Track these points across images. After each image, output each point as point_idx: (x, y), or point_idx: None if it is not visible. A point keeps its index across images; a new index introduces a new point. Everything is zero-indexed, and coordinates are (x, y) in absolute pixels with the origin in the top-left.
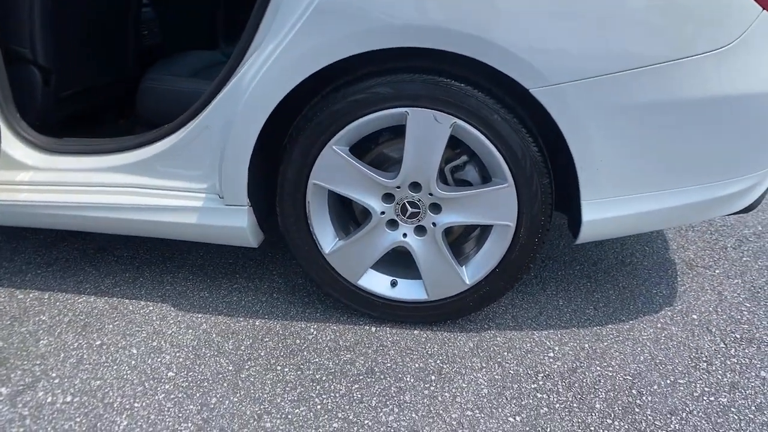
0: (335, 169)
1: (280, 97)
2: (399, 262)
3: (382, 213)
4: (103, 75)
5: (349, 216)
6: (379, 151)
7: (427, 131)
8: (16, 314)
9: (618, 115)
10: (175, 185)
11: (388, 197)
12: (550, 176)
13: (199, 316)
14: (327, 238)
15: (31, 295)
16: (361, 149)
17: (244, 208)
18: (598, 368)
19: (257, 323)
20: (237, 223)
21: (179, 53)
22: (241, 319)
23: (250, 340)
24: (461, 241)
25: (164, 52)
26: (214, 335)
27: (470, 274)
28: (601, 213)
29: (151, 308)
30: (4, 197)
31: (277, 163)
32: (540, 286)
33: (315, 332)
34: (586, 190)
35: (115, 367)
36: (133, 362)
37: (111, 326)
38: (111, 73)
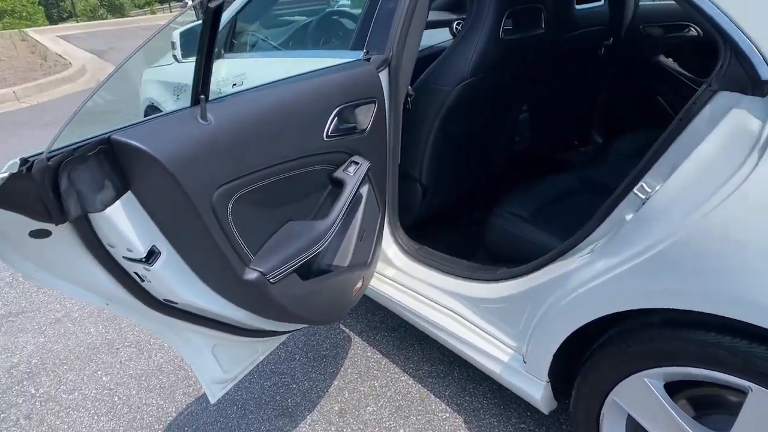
0: (641, 397)
1: (603, 312)
2: None
3: None
4: (471, 179)
5: None
6: (703, 393)
7: None
8: (362, 371)
9: None
10: (490, 330)
11: None
12: None
13: None
14: None
15: (375, 356)
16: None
17: (542, 382)
18: None
19: None
20: (532, 391)
21: (534, 181)
22: None
23: None
24: None
25: (529, 154)
26: None
27: None
28: None
29: (447, 416)
30: (375, 284)
31: (585, 350)
32: None
33: None
34: None
35: None
36: None
37: (413, 419)
38: (479, 176)
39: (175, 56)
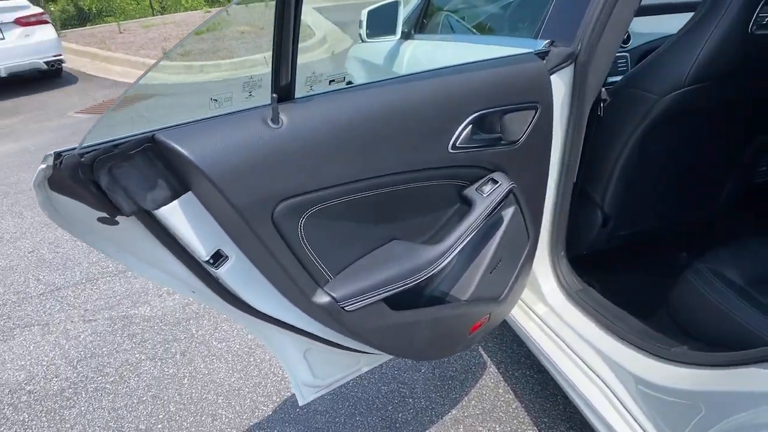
0: None
1: None
2: None
3: None
4: (675, 218)
5: None
6: None
7: None
8: (486, 407)
9: None
10: (643, 423)
11: None
12: None
13: None
14: None
15: (506, 396)
16: None
17: None
18: None
19: None
20: None
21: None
22: None
23: None
24: None
25: None
26: None
27: None
28: None
29: None
30: (520, 319)
31: None
32: None
33: None
34: None
35: None
36: None
37: None
38: (686, 215)
39: (360, 35)
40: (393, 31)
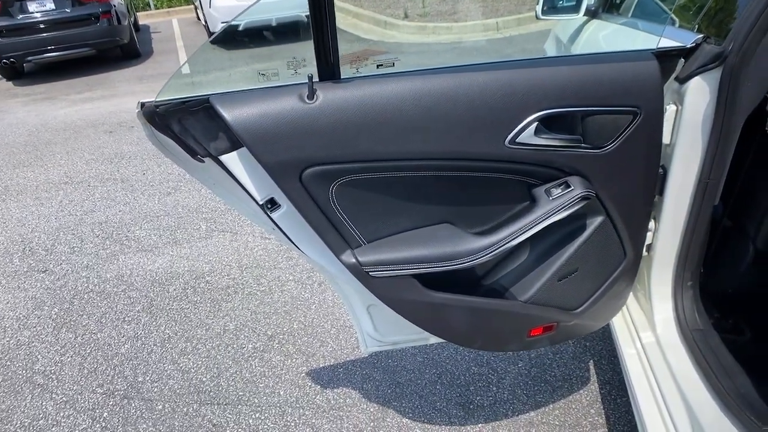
0: None
1: None
2: None
3: None
4: None
5: None
6: None
7: None
8: (571, 424)
9: None
10: None
11: None
12: None
13: None
14: None
15: (598, 420)
16: None
17: None
18: None
19: None
20: None
21: None
22: None
23: None
24: None
25: None
26: None
27: None
28: None
29: None
30: (621, 338)
31: None
32: None
33: None
34: None
35: None
36: None
37: None
38: None
39: (536, 12)
40: (576, 9)
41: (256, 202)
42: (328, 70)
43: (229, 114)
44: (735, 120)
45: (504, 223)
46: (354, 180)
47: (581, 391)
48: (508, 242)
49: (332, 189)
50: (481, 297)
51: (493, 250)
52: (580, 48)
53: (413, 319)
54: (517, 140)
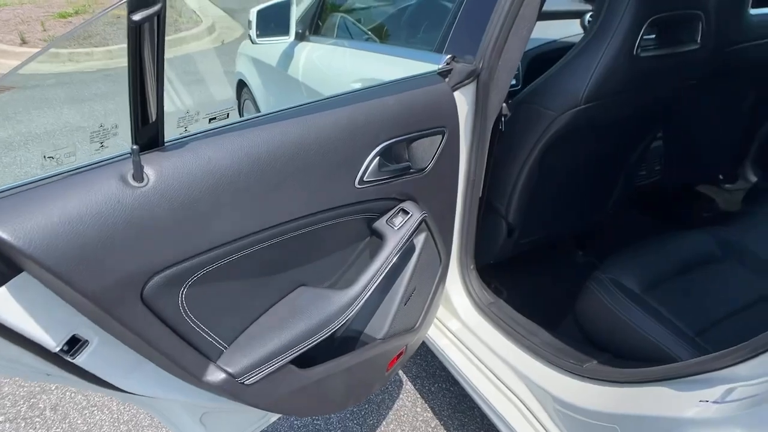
0: None
1: None
2: None
3: None
4: (571, 222)
5: None
6: None
7: None
8: (406, 430)
9: None
10: None
11: None
12: None
13: None
14: None
15: (425, 414)
16: None
17: None
18: None
19: None
20: None
21: (657, 239)
22: None
23: None
24: None
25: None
26: None
27: None
28: None
29: None
30: (434, 336)
31: None
32: None
33: None
34: None
35: None
36: None
37: None
38: (581, 219)
39: (250, 36)
40: (286, 32)
41: (45, 352)
42: (151, 134)
43: (9, 232)
44: (486, 125)
45: (362, 266)
46: (206, 273)
47: (401, 396)
48: (375, 283)
49: (182, 294)
50: (347, 354)
51: (363, 297)
52: (301, 67)
53: (290, 410)
54: (365, 179)
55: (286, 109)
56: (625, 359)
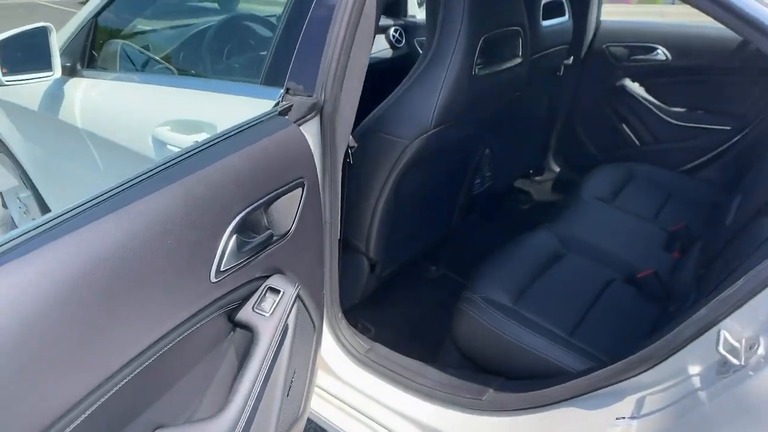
0: None
1: None
2: None
3: None
4: (424, 241)
5: None
6: None
7: None
8: None
9: None
10: None
11: None
12: None
13: None
14: None
15: None
16: None
17: None
18: None
19: None
20: None
21: (507, 246)
22: None
23: None
24: None
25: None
26: None
27: None
28: None
29: None
30: (314, 407)
31: None
32: None
33: None
34: None
35: None
36: None
37: None
38: (432, 236)
39: None
40: (48, 67)
41: None
42: None
43: None
44: (337, 161)
45: (232, 374)
46: None
47: None
48: (254, 397)
49: None
50: None
51: (243, 421)
52: (79, 111)
53: None
54: (222, 268)
55: (91, 202)
56: (518, 379)
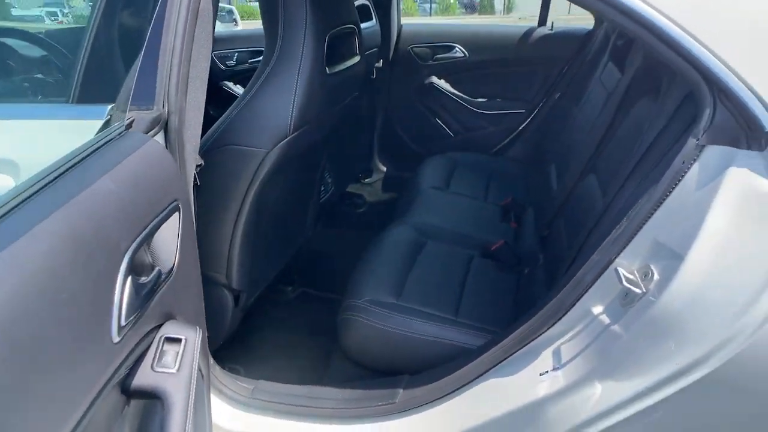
0: None
1: None
2: None
3: None
4: (285, 257)
5: None
6: None
7: None
8: None
9: None
10: None
11: None
12: None
13: None
14: None
15: None
16: None
17: None
18: None
19: None
20: None
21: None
22: None
23: None
24: None
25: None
26: None
27: None
28: None
29: None
30: None
31: None
32: None
33: None
34: None
35: None
36: None
37: None
38: (291, 251)
39: None
40: None
41: None
42: None
43: None
44: (188, 181)
45: None
46: None
47: None
48: None
49: None
50: None
51: None
52: None
53: None
54: (123, 322)
55: None
56: (421, 372)
